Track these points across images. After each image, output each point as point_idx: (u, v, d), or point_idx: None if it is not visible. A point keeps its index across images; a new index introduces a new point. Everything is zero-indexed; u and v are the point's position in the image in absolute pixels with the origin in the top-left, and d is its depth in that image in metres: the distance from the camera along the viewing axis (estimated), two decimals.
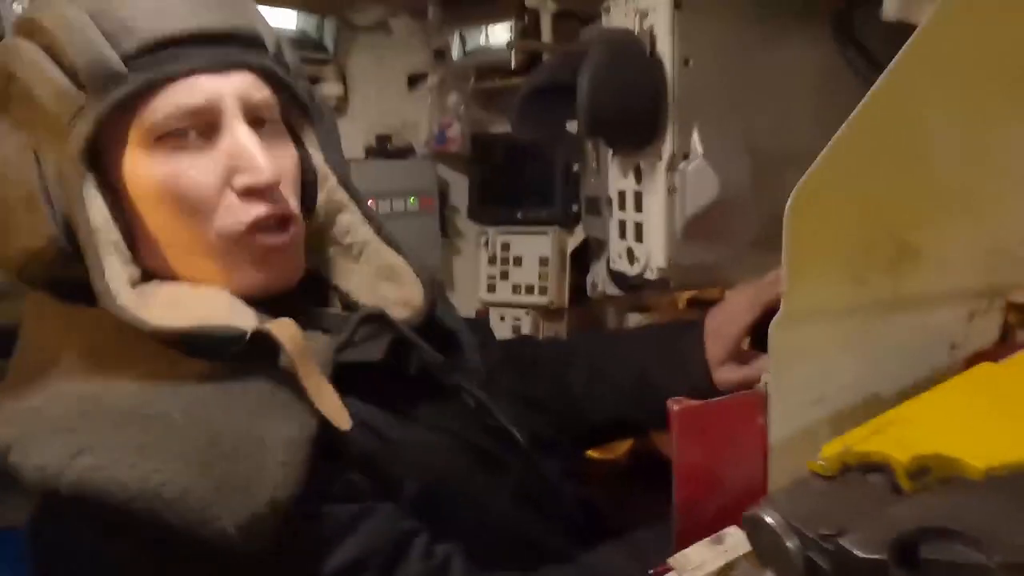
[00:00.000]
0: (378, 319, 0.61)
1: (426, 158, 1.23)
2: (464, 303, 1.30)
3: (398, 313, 0.64)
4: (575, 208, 1.19)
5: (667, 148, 0.79)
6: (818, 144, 0.86)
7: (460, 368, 0.68)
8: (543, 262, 1.21)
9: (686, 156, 0.80)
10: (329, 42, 1.09)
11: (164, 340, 0.53)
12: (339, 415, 0.52)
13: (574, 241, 1.22)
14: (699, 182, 0.80)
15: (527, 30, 1.09)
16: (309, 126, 0.65)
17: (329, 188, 0.65)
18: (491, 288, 1.26)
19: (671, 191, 0.81)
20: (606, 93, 0.74)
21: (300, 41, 1.07)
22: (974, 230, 0.61)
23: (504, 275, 1.25)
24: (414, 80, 1.24)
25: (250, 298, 0.58)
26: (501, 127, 1.26)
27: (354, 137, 1.18)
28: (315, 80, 1.13)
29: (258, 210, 0.57)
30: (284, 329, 0.53)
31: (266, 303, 0.59)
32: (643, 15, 0.79)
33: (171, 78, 0.54)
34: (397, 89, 1.24)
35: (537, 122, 0.91)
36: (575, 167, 1.17)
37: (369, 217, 0.67)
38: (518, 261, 1.23)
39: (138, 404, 0.50)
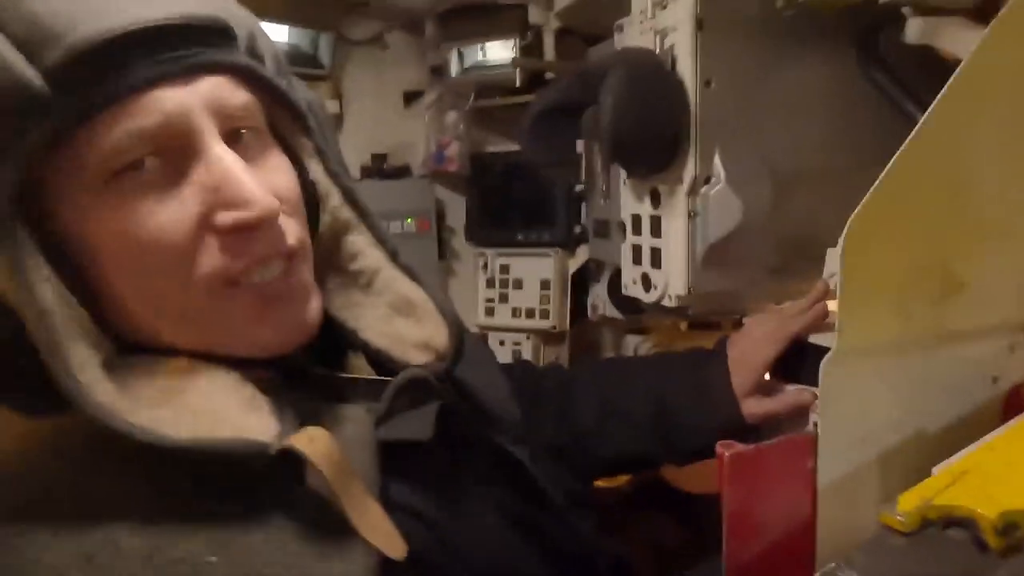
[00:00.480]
0: (417, 385, 0.50)
1: (423, 178, 1.19)
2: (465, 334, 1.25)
3: (417, 357, 0.53)
4: (577, 229, 1.16)
5: (688, 172, 0.77)
6: (835, 165, 0.85)
7: (496, 421, 0.60)
8: (545, 285, 1.18)
9: (707, 180, 0.78)
10: (325, 57, 1.05)
11: (161, 452, 0.41)
12: (392, 543, 0.43)
13: (575, 263, 1.19)
14: (722, 207, 0.77)
15: (530, 47, 1.06)
16: (302, 132, 0.52)
17: (333, 206, 0.53)
18: (490, 312, 1.22)
19: (692, 216, 0.79)
20: (631, 117, 0.71)
21: (294, 56, 1.02)
22: (1015, 262, 0.60)
23: (503, 298, 1.21)
24: (410, 97, 1.20)
25: (254, 360, 0.47)
26: (500, 146, 1.22)
27: (349, 156, 1.12)
28: None
29: (251, 252, 0.44)
30: (316, 445, 0.42)
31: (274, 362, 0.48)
32: (663, 35, 0.76)
33: (115, 97, 0.41)
34: (393, 106, 1.19)
35: (547, 144, 0.88)
36: (577, 187, 1.14)
37: (381, 240, 0.55)
38: (518, 284, 1.20)
39: (157, 545, 0.40)
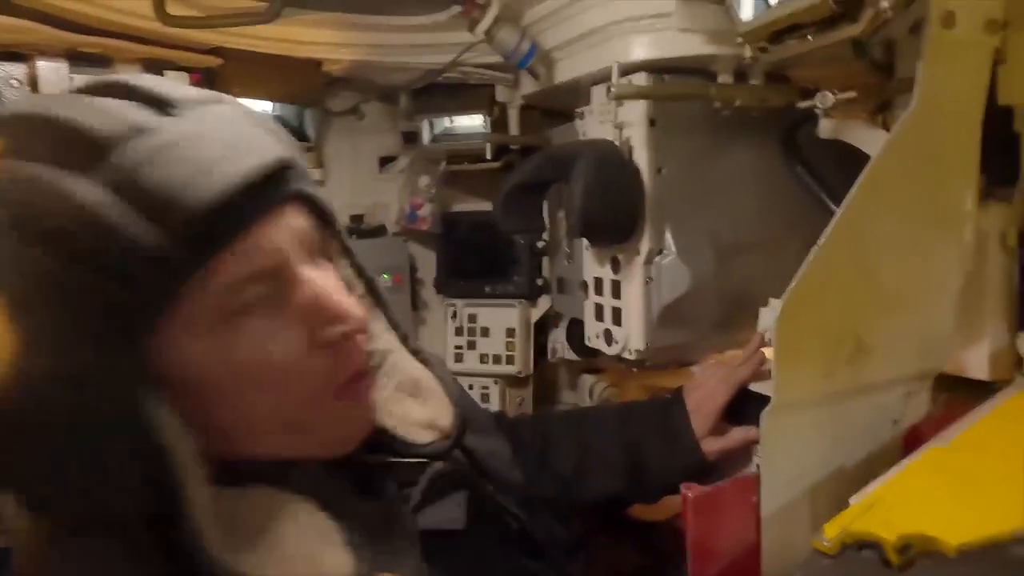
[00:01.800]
0: (447, 475, 0.57)
1: (397, 236, 1.28)
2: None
3: (422, 436, 0.59)
4: (539, 282, 1.28)
5: (644, 245, 0.90)
6: (766, 235, 0.99)
7: (500, 484, 0.66)
8: (510, 333, 1.28)
9: (660, 251, 0.91)
10: (310, 130, 1.13)
11: None
12: None
13: (537, 312, 1.30)
14: (673, 275, 0.90)
15: (496, 121, 1.18)
16: (331, 234, 0.57)
17: (356, 296, 0.58)
18: (459, 358, 1.31)
19: (648, 282, 0.91)
20: (597, 201, 0.83)
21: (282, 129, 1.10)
22: (910, 325, 0.74)
23: (472, 345, 1.31)
24: (385, 162, 1.29)
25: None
26: (468, 205, 1.33)
27: None
28: None
29: (352, 362, 0.50)
30: None
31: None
32: (620, 128, 0.89)
33: (225, 244, 0.44)
34: (369, 170, 1.28)
35: (519, 214, 0.99)
36: (538, 244, 1.26)
37: (395, 325, 0.61)
38: (485, 332, 1.30)
39: None
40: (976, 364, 0.82)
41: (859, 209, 0.66)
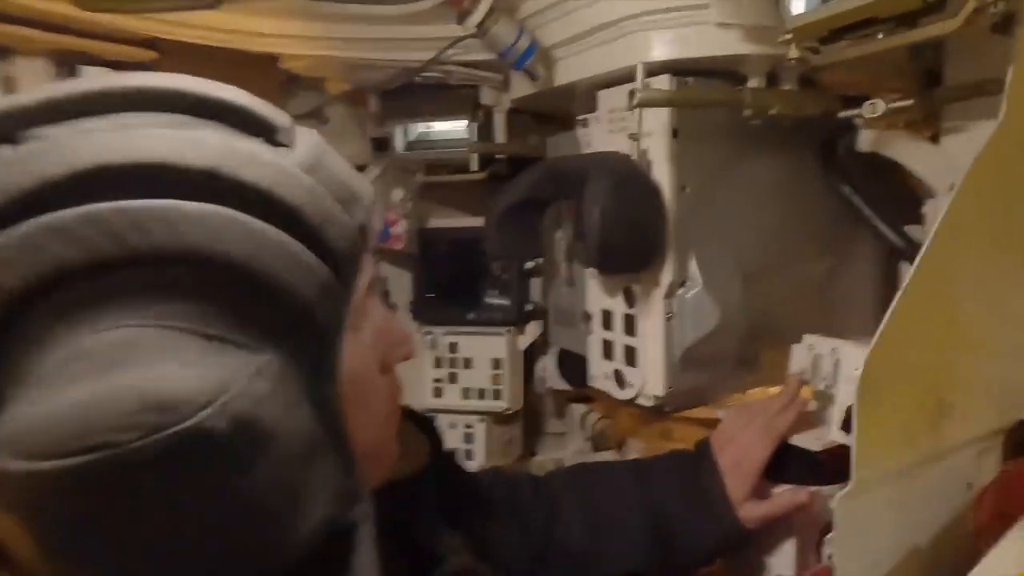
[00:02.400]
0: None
1: None
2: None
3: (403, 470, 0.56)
4: (529, 307, 1.14)
5: (666, 276, 0.77)
6: (794, 261, 0.88)
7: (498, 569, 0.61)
8: (496, 364, 1.15)
9: (683, 283, 0.78)
10: None
11: None
12: None
13: (526, 340, 1.17)
14: (698, 311, 0.78)
15: (480, 127, 1.04)
16: None
17: None
18: (438, 393, 1.17)
19: (668, 318, 0.79)
20: (618, 228, 0.70)
21: None
22: (991, 376, 0.64)
23: (452, 378, 1.17)
24: None
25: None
26: (447, 220, 1.19)
27: None
28: None
29: (400, 387, 0.51)
30: None
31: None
32: (637, 139, 0.76)
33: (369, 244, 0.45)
34: None
35: (513, 237, 0.86)
36: (528, 264, 1.13)
37: None
38: (468, 363, 1.16)
39: None
40: None
41: (943, 246, 0.55)
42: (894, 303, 0.53)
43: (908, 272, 0.54)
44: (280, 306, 0.36)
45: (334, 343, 0.39)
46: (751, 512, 0.71)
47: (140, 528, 0.32)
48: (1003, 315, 0.62)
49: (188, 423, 0.30)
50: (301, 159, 0.39)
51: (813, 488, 0.73)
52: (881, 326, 0.53)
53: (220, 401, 0.31)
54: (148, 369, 0.31)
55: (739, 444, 0.74)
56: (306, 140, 0.41)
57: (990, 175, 0.57)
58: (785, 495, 0.72)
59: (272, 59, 0.92)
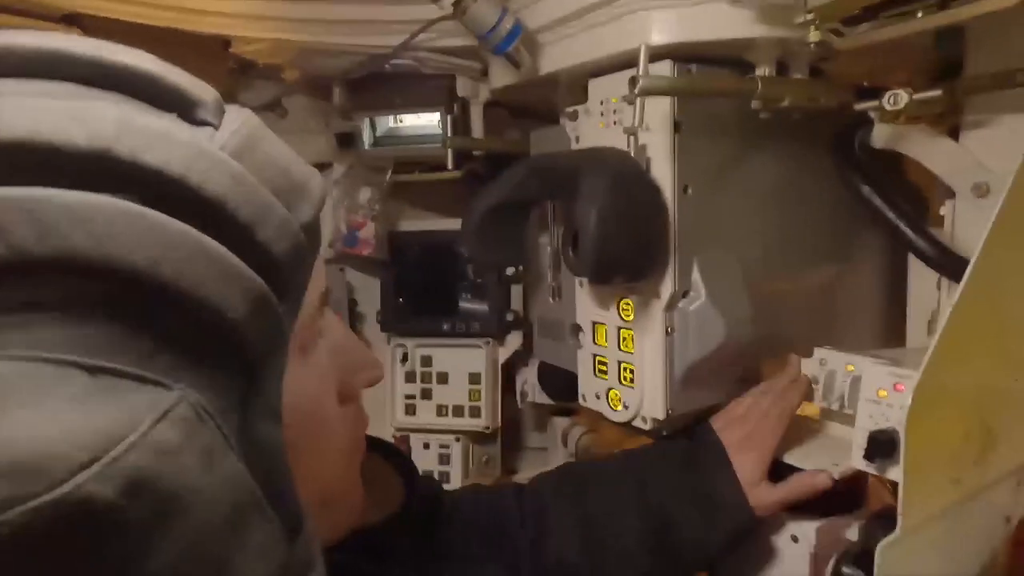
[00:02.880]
0: None
1: (331, 263, 1.03)
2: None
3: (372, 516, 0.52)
4: (509, 317, 1.06)
5: (666, 286, 0.69)
6: (803, 268, 0.81)
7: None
8: (474, 379, 1.06)
9: (685, 294, 0.71)
10: None
11: None
12: None
13: (506, 352, 1.09)
14: (703, 325, 0.70)
15: (456, 121, 0.95)
16: None
17: None
18: (410, 410, 1.08)
19: (669, 333, 0.71)
20: (615, 235, 0.62)
21: None
22: None
23: (426, 394, 1.08)
24: None
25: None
26: (419, 223, 1.09)
27: None
28: None
29: (365, 419, 0.45)
30: None
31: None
32: (634, 134, 0.68)
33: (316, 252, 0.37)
34: None
35: (496, 242, 0.77)
36: (508, 271, 1.04)
37: None
38: (443, 378, 1.07)
39: None
40: None
41: (993, 257, 0.48)
42: (945, 322, 0.46)
43: (958, 288, 0.47)
44: (197, 326, 0.27)
45: (272, 371, 0.31)
46: (765, 497, 0.64)
47: None
48: None
49: (59, 491, 0.22)
50: (227, 140, 0.30)
51: (831, 517, 0.66)
52: (930, 351, 0.45)
53: (107, 458, 0.23)
54: (7, 417, 0.22)
55: (747, 424, 0.67)
56: (235, 118, 0.32)
57: None
58: (804, 477, 0.64)
59: (222, 43, 0.82)
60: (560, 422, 1.23)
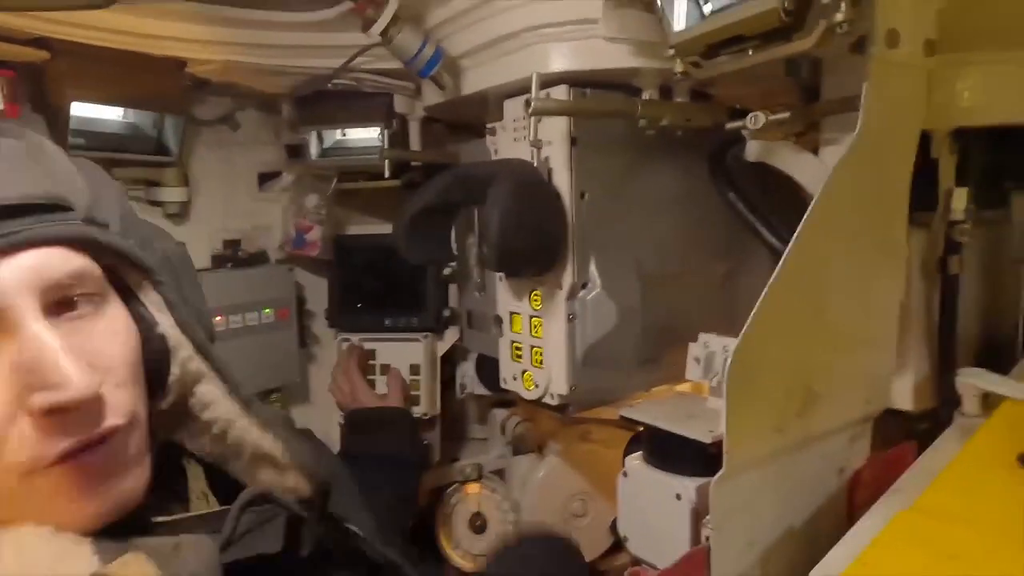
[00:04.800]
0: (261, 501, 0.52)
1: (281, 263, 1.12)
2: (325, 417, 1.19)
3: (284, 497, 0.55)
4: (446, 313, 1.16)
5: (567, 278, 0.80)
6: (691, 263, 0.93)
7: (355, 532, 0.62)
8: (414, 370, 1.15)
9: (584, 285, 0.82)
10: (170, 141, 0.95)
11: None
12: None
13: (444, 346, 1.18)
14: (598, 311, 0.81)
15: (395, 134, 1.05)
16: (151, 285, 0.52)
17: (183, 358, 0.53)
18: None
19: (570, 319, 0.81)
20: (516, 230, 0.72)
21: (135, 140, 0.92)
22: (857, 366, 0.69)
23: (371, 385, 1.16)
24: (264, 179, 1.13)
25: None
26: (363, 227, 1.19)
27: (198, 244, 1.04)
28: (153, 183, 0.98)
29: (65, 440, 0.42)
30: (130, 569, 0.42)
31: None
32: (538, 147, 0.79)
33: None
34: (246, 189, 1.11)
35: (424, 241, 0.87)
36: (445, 271, 1.14)
37: (234, 390, 0.55)
38: (385, 370, 1.16)
39: None
40: (901, 396, 0.78)
41: (809, 243, 0.59)
42: (762, 296, 0.57)
43: (776, 268, 0.58)
44: None
45: None
46: None
47: None
48: (865, 308, 0.68)
49: None
50: None
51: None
52: (750, 318, 0.57)
53: None
54: None
55: None
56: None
57: (853, 175, 0.63)
58: None
59: (178, 63, 0.91)
60: (499, 413, 1.32)
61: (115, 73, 0.83)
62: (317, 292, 1.19)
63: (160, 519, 0.51)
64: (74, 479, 0.44)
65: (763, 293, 0.57)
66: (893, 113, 0.66)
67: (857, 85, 0.79)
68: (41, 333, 0.42)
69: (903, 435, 0.75)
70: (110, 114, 0.90)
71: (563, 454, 1.23)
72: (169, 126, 0.95)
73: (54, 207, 0.45)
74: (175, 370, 0.53)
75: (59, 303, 0.45)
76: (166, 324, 0.52)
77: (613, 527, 0.88)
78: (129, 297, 0.51)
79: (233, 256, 1.06)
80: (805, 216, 0.60)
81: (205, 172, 1.06)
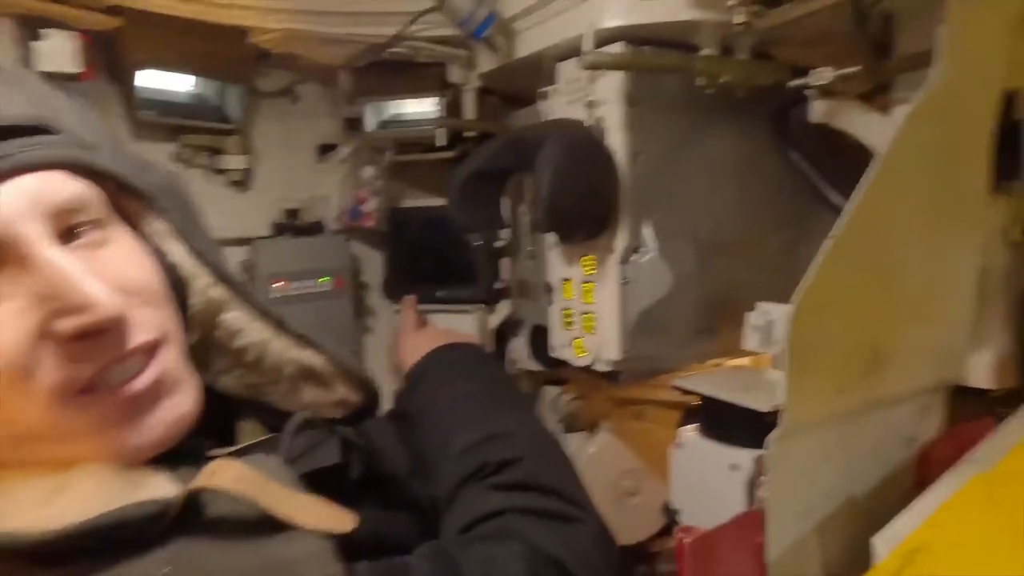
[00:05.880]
0: (314, 424, 0.51)
1: (338, 234, 1.14)
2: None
3: (333, 413, 0.55)
4: (498, 285, 1.15)
5: (620, 242, 0.78)
6: (750, 229, 0.89)
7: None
8: None
9: (637, 249, 0.80)
10: (233, 110, 0.98)
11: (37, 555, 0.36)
12: (338, 519, 0.41)
13: (496, 319, 1.18)
14: (653, 276, 0.79)
15: (449, 105, 1.05)
16: (155, 214, 0.49)
17: (201, 287, 0.50)
18: None
19: (623, 283, 0.80)
20: (568, 189, 0.71)
21: (199, 109, 0.95)
22: (928, 330, 0.65)
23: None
24: (323, 150, 1.15)
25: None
26: (418, 200, 1.20)
27: (259, 212, 1.07)
28: (216, 151, 1.02)
29: (99, 357, 0.41)
30: (222, 474, 0.40)
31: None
32: (593, 107, 0.78)
33: None
34: (305, 160, 1.14)
35: (475, 207, 0.87)
36: (497, 243, 1.14)
37: (263, 311, 0.52)
38: None
39: None
40: (979, 372, 0.73)
41: (875, 199, 0.56)
42: (824, 249, 0.55)
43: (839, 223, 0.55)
44: None
45: None
46: None
47: None
48: (936, 271, 0.64)
49: None
50: None
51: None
52: (812, 267, 0.54)
53: None
54: None
55: None
56: None
57: (925, 129, 0.59)
58: None
59: (241, 33, 0.93)
60: (551, 390, 1.31)
61: (183, 41, 0.86)
62: (372, 264, 1.21)
63: (214, 452, 0.49)
64: (122, 404, 0.42)
65: (824, 244, 0.54)
66: (971, 64, 0.62)
67: (932, 41, 0.75)
68: (57, 257, 0.40)
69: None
70: (177, 82, 0.94)
71: (616, 431, 1.21)
72: (232, 95, 0.98)
73: (40, 130, 0.43)
74: (194, 302, 0.50)
75: (65, 233, 0.43)
76: (176, 254, 0.49)
77: (666, 508, 0.86)
78: (135, 226, 0.49)
79: (292, 225, 1.09)
80: (870, 168, 0.56)
81: (266, 143, 1.09)
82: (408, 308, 1.03)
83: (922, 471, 0.68)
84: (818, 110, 0.81)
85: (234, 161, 1.01)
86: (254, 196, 1.08)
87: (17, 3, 0.70)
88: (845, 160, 0.90)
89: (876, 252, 0.58)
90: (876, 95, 0.83)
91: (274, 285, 1.03)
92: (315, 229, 1.12)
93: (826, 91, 0.77)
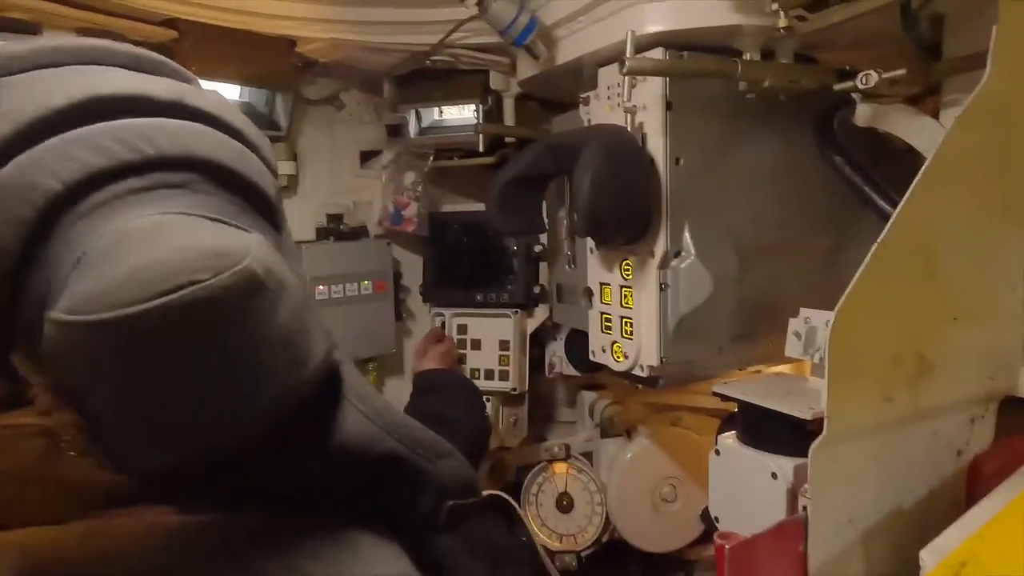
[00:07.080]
0: None
1: (380, 238, 1.16)
2: None
3: None
4: (536, 290, 1.16)
5: (660, 246, 0.78)
6: (791, 235, 0.88)
7: None
8: (504, 346, 1.17)
9: (677, 254, 0.80)
10: (281, 118, 1.01)
11: None
12: None
13: (534, 323, 1.19)
14: (693, 281, 0.79)
15: (489, 111, 1.07)
16: None
17: None
18: None
19: (663, 288, 0.80)
20: (607, 193, 0.72)
21: (248, 116, 0.98)
22: (978, 337, 0.63)
23: (461, 359, 1.19)
24: (366, 156, 1.18)
25: None
26: (458, 205, 1.22)
27: (305, 216, 1.10)
28: None
29: None
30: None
31: None
32: (632, 113, 0.78)
33: None
34: (349, 166, 1.17)
35: (515, 212, 0.88)
36: (535, 248, 1.15)
37: None
38: (476, 344, 1.18)
39: None
40: None
41: (923, 203, 0.55)
42: (869, 255, 0.54)
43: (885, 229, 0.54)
44: (254, 199, 0.41)
45: (285, 230, 0.45)
46: None
47: (216, 355, 0.36)
48: (987, 276, 0.62)
49: (241, 265, 0.35)
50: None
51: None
52: (858, 273, 0.53)
53: (252, 254, 0.36)
54: (191, 237, 0.36)
55: None
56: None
57: (977, 129, 0.58)
58: None
59: (289, 43, 0.96)
60: (588, 396, 1.31)
61: (233, 53, 0.90)
62: (412, 268, 1.23)
63: None
64: None
65: (872, 250, 0.53)
66: None
67: (984, 42, 0.73)
68: None
69: None
70: (226, 92, 0.97)
71: (653, 437, 1.21)
72: (279, 103, 1.00)
73: None
74: None
75: None
76: None
77: (704, 515, 0.86)
78: None
79: (336, 229, 1.11)
80: (920, 172, 0.55)
81: (312, 149, 1.12)
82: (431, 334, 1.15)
83: (972, 483, 0.66)
84: (864, 114, 0.80)
85: (281, 167, 1.04)
86: (299, 201, 1.10)
87: (75, 16, 0.74)
88: (891, 164, 0.89)
89: (924, 258, 0.57)
90: (924, 98, 0.82)
91: (318, 288, 1.06)
92: (359, 233, 1.14)
93: (872, 94, 0.76)
